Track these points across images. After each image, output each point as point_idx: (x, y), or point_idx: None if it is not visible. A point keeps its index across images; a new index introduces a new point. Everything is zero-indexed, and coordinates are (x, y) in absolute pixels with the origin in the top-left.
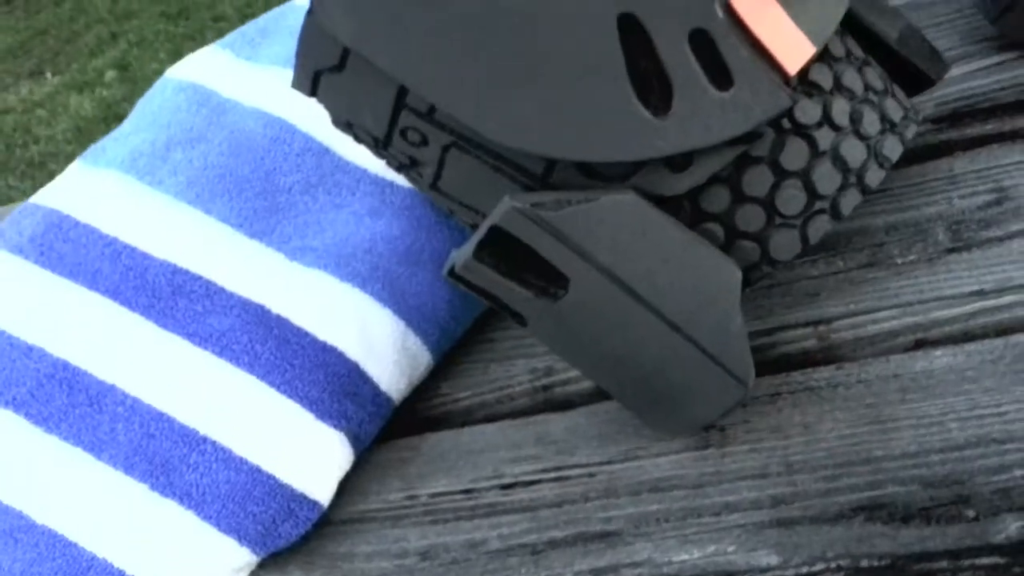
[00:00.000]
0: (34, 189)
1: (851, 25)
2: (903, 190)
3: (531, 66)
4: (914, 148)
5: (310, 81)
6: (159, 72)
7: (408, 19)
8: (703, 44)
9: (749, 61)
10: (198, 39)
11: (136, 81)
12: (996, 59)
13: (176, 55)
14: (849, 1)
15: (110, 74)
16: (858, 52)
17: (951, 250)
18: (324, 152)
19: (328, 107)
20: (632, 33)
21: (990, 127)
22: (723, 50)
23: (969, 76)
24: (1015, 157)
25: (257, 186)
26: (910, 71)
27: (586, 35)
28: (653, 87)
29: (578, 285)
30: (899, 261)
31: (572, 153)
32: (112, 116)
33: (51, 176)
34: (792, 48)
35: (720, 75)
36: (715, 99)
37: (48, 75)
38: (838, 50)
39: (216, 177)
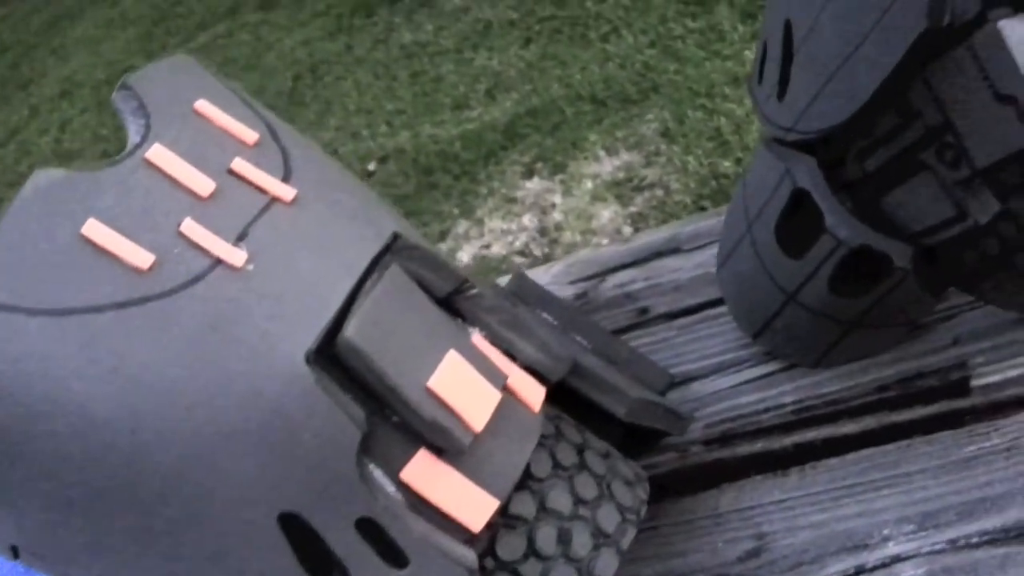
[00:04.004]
0: None
1: (580, 402)
2: (673, 530)
3: (204, 567)
4: (686, 470)
5: (10, 551)
6: None
7: (68, 533)
8: (372, 530)
9: (422, 540)
10: None
11: None
12: (763, 370)
13: None
14: (578, 383)
15: None
16: (570, 459)
17: None
18: None
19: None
20: (299, 527)
21: (759, 447)
22: (393, 533)
23: (737, 390)
24: (775, 495)
25: None
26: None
27: (252, 535)
28: (331, 570)
29: None
30: None
31: None
32: None
33: None
34: (474, 508)
35: (394, 555)
36: None
37: None
38: (542, 470)
39: None
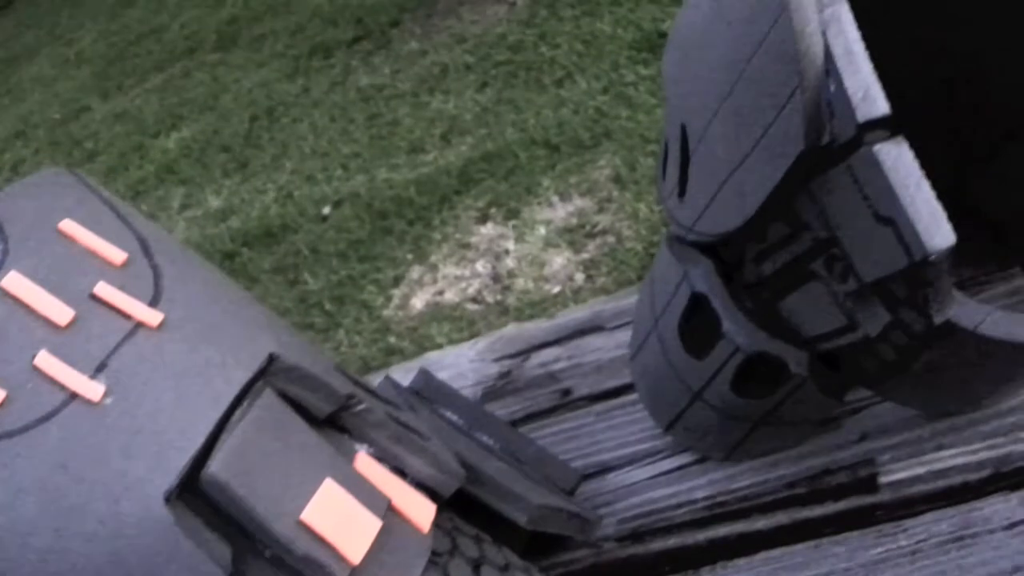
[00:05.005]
0: None
1: (482, 511)
2: None
3: None
4: (602, 566)
5: None
6: None
7: None
8: None
9: None
10: None
11: None
12: (676, 462)
13: None
14: (480, 490)
15: None
16: None
17: None
18: None
19: None
20: None
21: (672, 543)
22: None
23: (652, 483)
24: None
25: None
26: None
27: None
28: None
29: None
30: None
31: None
32: None
33: None
34: None
35: None
36: None
37: None
38: None
39: None
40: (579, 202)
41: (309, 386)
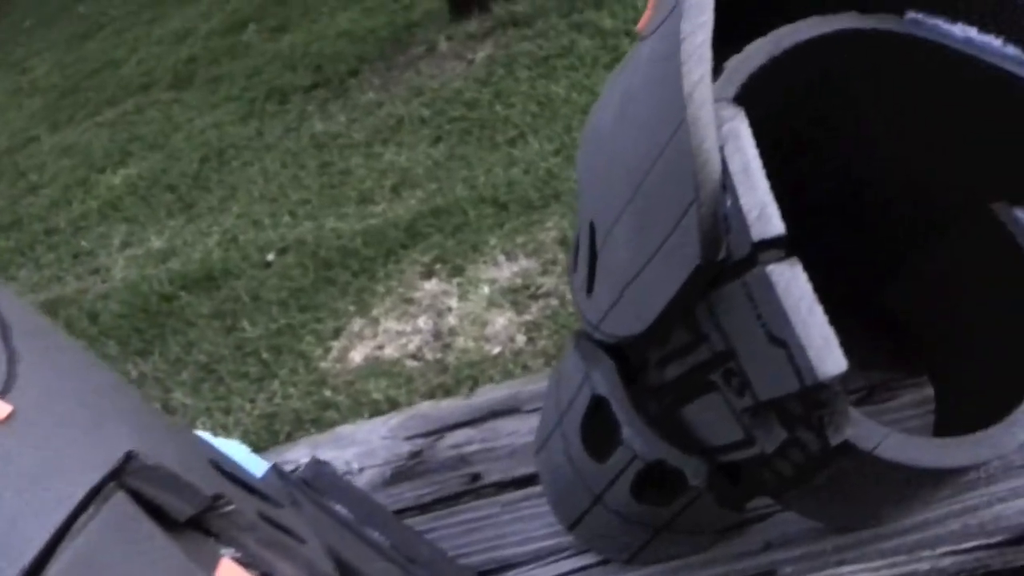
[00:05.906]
0: None
1: None
2: None
3: None
4: None
5: None
6: None
7: None
8: None
9: None
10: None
11: None
12: (579, 562)
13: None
14: None
15: None
16: None
17: None
18: None
19: None
20: None
21: None
22: None
23: None
24: None
25: None
26: None
27: None
28: None
29: None
30: None
31: None
32: None
33: None
34: None
35: None
36: None
37: None
38: None
39: None
40: (524, 263)
41: (169, 486)
